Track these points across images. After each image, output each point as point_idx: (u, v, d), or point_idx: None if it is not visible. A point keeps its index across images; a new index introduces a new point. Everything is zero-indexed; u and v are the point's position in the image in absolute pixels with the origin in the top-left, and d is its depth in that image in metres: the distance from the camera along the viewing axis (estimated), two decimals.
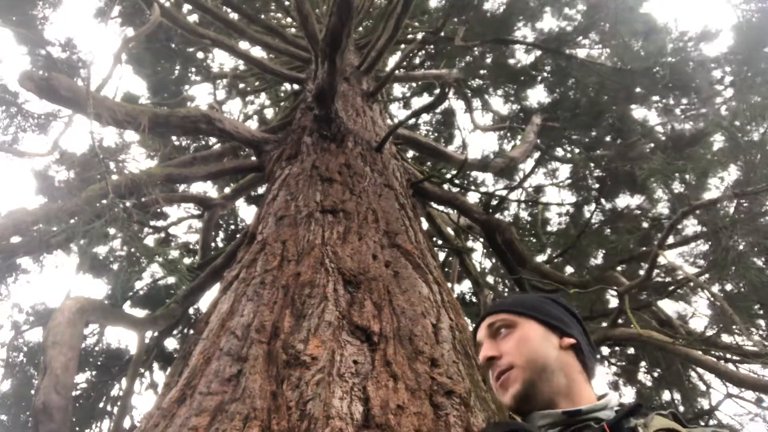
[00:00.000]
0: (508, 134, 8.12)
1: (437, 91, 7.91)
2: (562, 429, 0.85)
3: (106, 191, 3.30)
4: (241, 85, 8.91)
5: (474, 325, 1.11)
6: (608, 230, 6.11)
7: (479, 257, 7.20)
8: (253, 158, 4.74)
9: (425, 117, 8.92)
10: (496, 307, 1.07)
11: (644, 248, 5.19)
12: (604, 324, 4.29)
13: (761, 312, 4.23)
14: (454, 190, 5.57)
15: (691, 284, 4.13)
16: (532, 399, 0.90)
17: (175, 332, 5.69)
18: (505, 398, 0.93)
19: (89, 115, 3.13)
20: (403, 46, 8.04)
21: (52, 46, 5.63)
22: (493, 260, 7.09)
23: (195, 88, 8.44)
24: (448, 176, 5.76)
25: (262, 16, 7.98)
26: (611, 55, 6.75)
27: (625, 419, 0.83)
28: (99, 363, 5.22)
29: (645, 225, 5.75)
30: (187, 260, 6.99)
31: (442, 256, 6.33)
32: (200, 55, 8.28)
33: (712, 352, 3.60)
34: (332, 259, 2.25)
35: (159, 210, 6.60)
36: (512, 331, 0.99)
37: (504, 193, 5.91)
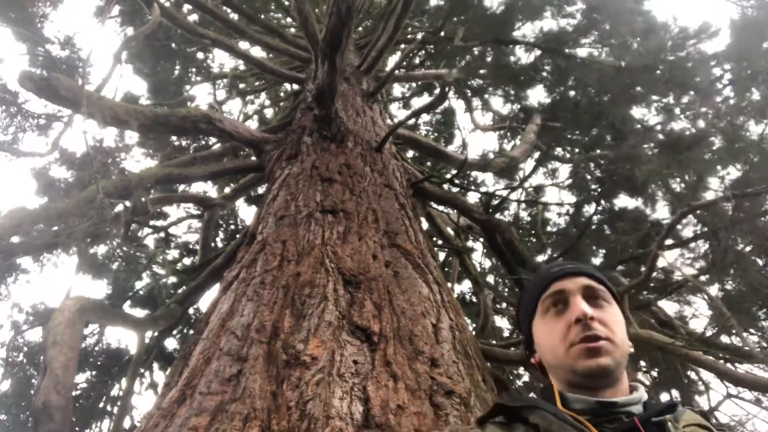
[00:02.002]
0: (508, 134, 8.12)
1: (437, 91, 7.92)
2: (593, 417, 0.84)
3: (104, 192, 3.30)
4: (241, 85, 8.91)
5: (557, 271, 1.00)
6: (608, 230, 6.11)
7: (479, 257, 7.20)
8: (253, 158, 4.75)
9: (425, 117, 8.92)
10: (595, 274, 1.00)
11: (644, 249, 5.19)
12: None
13: (761, 313, 4.24)
14: (454, 190, 5.57)
15: (690, 284, 4.14)
16: (609, 377, 0.88)
17: (175, 332, 5.69)
18: (589, 362, 0.87)
19: (86, 114, 3.14)
20: (403, 46, 8.04)
21: (51, 44, 5.63)
22: (493, 260, 7.09)
23: (195, 88, 8.46)
24: (448, 176, 5.76)
25: (262, 16, 7.98)
26: (611, 54, 6.75)
27: (657, 416, 0.84)
28: (99, 363, 5.22)
29: (645, 225, 5.75)
30: (187, 260, 6.99)
31: (442, 256, 6.33)
32: (200, 55, 8.29)
33: (712, 353, 3.60)
34: (332, 259, 2.25)
35: (159, 210, 6.61)
36: (610, 308, 0.95)
37: (504, 193, 5.90)
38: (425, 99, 9.28)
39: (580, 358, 0.88)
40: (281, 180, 3.45)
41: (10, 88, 5.32)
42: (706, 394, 4.98)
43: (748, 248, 4.12)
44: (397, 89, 9.76)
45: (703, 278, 4.50)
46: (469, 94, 8.68)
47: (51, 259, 4.94)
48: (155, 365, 5.59)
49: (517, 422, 0.87)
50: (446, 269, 6.16)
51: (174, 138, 7.45)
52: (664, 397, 5.38)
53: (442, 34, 6.92)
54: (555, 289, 0.98)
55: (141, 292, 5.65)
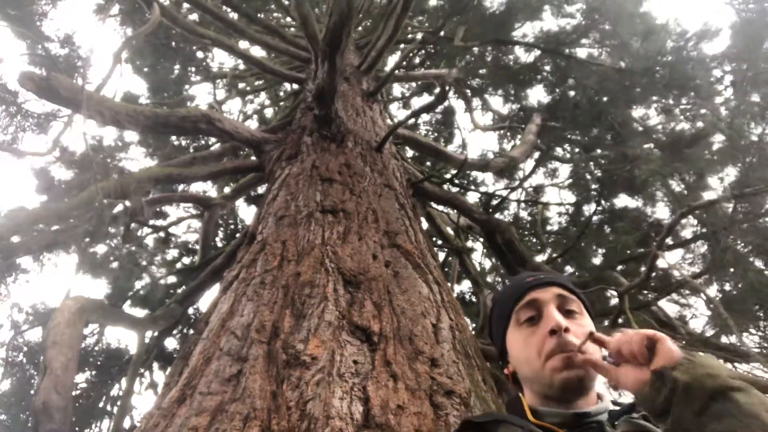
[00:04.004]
0: (508, 134, 8.12)
1: (437, 90, 7.92)
2: (569, 429, 0.86)
3: (103, 193, 3.30)
4: (241, 85, 8.91)
5: (531, 281, 1.02)
6: (608, 230, 6.11)
7: (479, 257, 7.21)
8: (253, 158, 4.74)
9: (425, 117, 8.93)
10: (567, 284, 1.02)
11: (644, 249, 5.19)
12: (605, 324, 4.30)
13: (761, 313, 4.24)
14: (454, 190, 5.57)
15: (689, 285, 4.14)
16: (584, 389, 0.90)
17: (175, 332, 5.69)
18: (565, 374, 0.88)
19: (86, 114, 3.14)
20: (403, 46, 8.04)
21: (51, 42, 5.62)
22: (493, 260, 7.09)
23: (195, 88, 8.46)
24: (448, 176, 5.76)
25: (262, 16, 7.98)
26: (611, 55, 6.75)
27: (619, 419, 0.87)
28: (99, 363, 5.22)
29: (645, 225, 5.75)
30: (187, 260, 6.99)
31: (442, 256, 6.33)
32: (200, 54, 8.29)
33: (711, 353, 3.60)
34: (332, 259, 2.25)
35: (158, 209, 6.61)
36: (582, 319, 0.97)
37: (504, 193, 5.91)
38: (425, 99, 9.28)
39: (557, 371, 0.88)
40: (281, 180, 3.44)
41: (10, 87, 5.31)
42: None
43: (747, 249, 4.13)
44: (397, 89, 9.77)
45: (703, 279, 4.50)
46: (469, 94, 8.68)
47: (51, 259, 4.93)
48: (155, 365, 5.59)
49: None
50: (446, 269, 6.16)
51: (173, 138, 7.45)
52: None
53: (442, 34, 6.92)
54: (529, 299, 0.98)
55: (141, 292, 5.66)
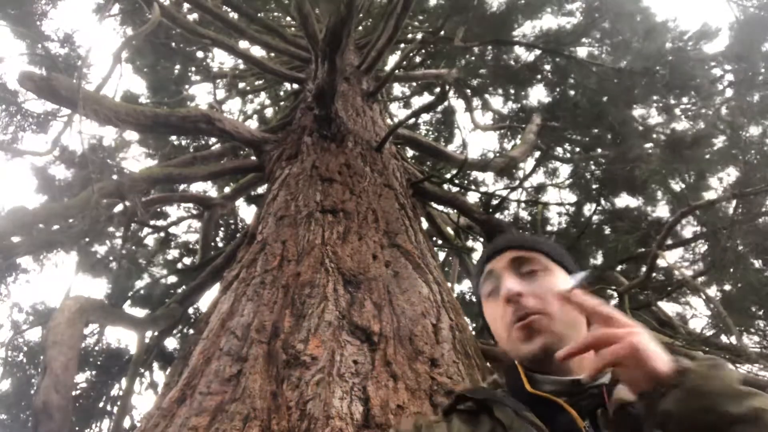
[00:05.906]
0: (509, 134, 8.12)
1: (437, 90, 7.91)
2: (570, 397, 0.79)
3: (103, 192, 3.30)
4: (241, 85, 8.91)
5: (487, 251, 0.98)
6: (608, 230, 6.11)
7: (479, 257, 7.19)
8: (253, 158, 4.74)
9: (425, 116, 8.91)
10: (526, 242, 0.96)
11: (644, 249, 5.19)
12: None
13: (760, 312, 4.24)
14: (454, 189, 5.57)
15: (689, 285, 4.14)
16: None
17: (175, 332, 5.69)
18: (528, 346, 0.81)
19: (85, 114, 3.14)
20: (403, 45, 8.05)
21: (51, 42, 5.63)
22: None
23: (195, 88, 8.45)
24: (448, 176, 5.76)
25: (262, 16, 7.98)
26: (611, 54, 6.76)
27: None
28: (99, 363, 5.21)
29: (645, 225, 5.75)
30: (187, 260, 7.00)
31: (442, 256, 6.33)
32: (200, 54, 8.29)
33: (712, 353, 3.60)
34: (332, 259, 2.25)
35: (159, 209, 6.62)
36: (545, 276, 0.90)
37: (504, 193, 5.91)
38: (425, 98, 9.28)
39: (519, 342, 0.83)
40: (281, 180, 3.45)
41: (10, 87, 5.31)
42: None
43: (747, 248, 4.13)
44: (397, 89, 9.76)
45: (702, 278, 4.50)
46: (469, 94, 8.68)
47: (51, 259, 4.93)
48: (155, 365, 5.59)
49: (483, 413, 0.82)
50: (446, 269, 6.16)
51: (173, 137, 7.46)
52: None
53: (442, 33, 6.92)
54: (486, 272, 0.96)
55: (141, 292, 5.65)
